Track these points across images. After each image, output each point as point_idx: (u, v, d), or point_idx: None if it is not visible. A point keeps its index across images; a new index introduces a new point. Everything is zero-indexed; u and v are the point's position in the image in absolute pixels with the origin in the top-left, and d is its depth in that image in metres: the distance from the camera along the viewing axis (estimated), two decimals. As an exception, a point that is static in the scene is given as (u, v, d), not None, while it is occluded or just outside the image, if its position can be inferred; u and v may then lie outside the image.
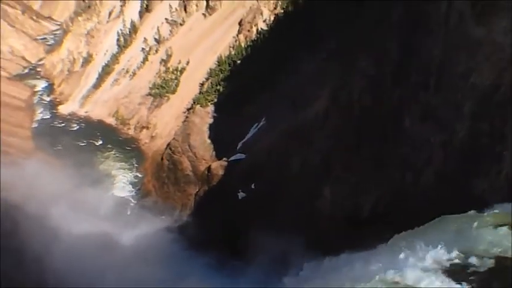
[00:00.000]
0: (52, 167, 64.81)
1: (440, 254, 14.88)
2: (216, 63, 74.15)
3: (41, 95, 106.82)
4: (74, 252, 39.13)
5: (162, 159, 65.36)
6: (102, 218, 57.71)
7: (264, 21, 70.36)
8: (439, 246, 15.08)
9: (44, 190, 51.78)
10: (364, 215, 23.65)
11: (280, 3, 69.45)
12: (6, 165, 55.50)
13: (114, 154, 75.01)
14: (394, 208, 21.31)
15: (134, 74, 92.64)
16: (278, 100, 48.52)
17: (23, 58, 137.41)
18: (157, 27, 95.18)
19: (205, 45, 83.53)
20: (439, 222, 16.68)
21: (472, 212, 15.68)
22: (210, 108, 65.14)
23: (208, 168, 53.08)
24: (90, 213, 55.67)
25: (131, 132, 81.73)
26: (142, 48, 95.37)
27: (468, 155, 16.64)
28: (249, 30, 71.86)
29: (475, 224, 15.15)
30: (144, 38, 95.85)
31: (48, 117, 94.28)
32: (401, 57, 19.06)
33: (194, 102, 72.10)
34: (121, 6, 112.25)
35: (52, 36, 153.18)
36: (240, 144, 54.32)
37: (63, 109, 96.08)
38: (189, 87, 79.62)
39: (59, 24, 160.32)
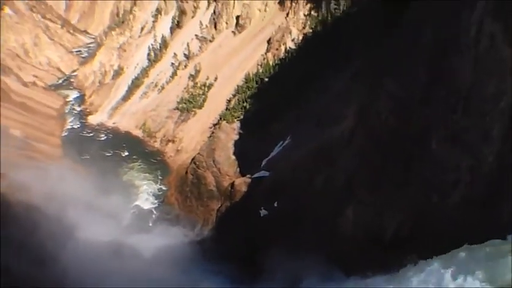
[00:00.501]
0: (77, 174, 66.15)
1: (466, 283, 14.44)
2: (244, 80, 74.68)
3: (72, 104, 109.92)
4: (91, 257, 39.64)
5: (186, 173, 65.71)
6: (123, 226, 58.40)
7: (293, 40, 70.75)
8: (465, 274, 14.62)
9: (67, 194, 52.77)
10: (387, 238, 23.18)
11: (309, 22, 69.80)
12: (31, 169, 57.07)
13: (139, 166, 76.00)
14: (418, 232, 20.85)
15: (163, 88, 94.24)
16: (304, 118, 48.46)
17: (58, 69, 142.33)
18: (187, 43, 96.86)
19: (234, 62, 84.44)
20: (465, 249, 16.23)
21: (499, 239, 15.22)
22: (236, 124, 65.37)
23: (232, 184, 53.01)
24: (111, 220, 56.35)
25: (157, 145, 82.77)
26: (172, 63, 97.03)
27: (496, 180, 16.23)
28: (277, 49, 72.33)
29: (503, 251, 14.66)
30: (174, 53, 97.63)
31: (78, 126, 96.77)
32: (430, 79, 18.85)
33: (220, 118, 72.53)
34: (153, 21, 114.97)
35: (86, 49, 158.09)
36: (264, 162, 54.17)
37: (93, 119, 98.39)
38: (216, 103, 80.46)
39: (93, 38, 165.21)
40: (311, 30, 66.53)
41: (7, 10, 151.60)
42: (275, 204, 41.19)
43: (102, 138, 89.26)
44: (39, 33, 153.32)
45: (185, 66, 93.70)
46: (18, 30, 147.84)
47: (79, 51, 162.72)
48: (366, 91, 25.57)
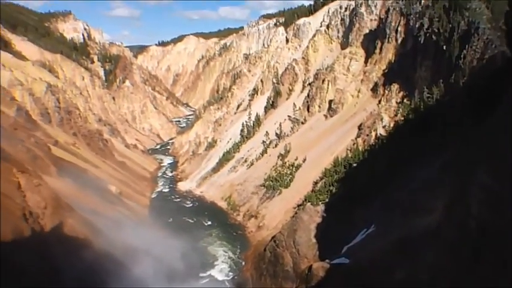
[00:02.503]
0: (159, 235, 68.38)
1: None
2: (332, 163, 74.56)
3: (165, 169, 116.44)
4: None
5: (264, 250, 65.12)
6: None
7: (384, 126, 70.36)
8: None
9: (144, 251, 54.57)
10: None
11: (400, 110, 69.42)
12: (118, 221, 60.28)
13: (220, 236, 76.73)
14: None
15: (252, 164, 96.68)
16: (390, 206, 46.82)
17: (158, 136, 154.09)
18: (280, 123, 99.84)
19: (323, 145, 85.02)
20: None
21: None
22: (321, 207, 64.46)
23: (309, 268, 51.47)
24: (182, 284, 56.70)
25: (240, 218, 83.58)
26: (263, 141, 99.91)
27: None
28: (367, 135, 72.14)
29: None
30: (266, 132, 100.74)
31: (167, 190, 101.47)
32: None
33: (305, 199, 72.13)
34: (249, 100, 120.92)
35: (185, 120, 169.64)
36: (345, 248, 52.35)
37: (182, 186, 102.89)
38: (302, 183, 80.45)
39: (193, 111, 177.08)
40: (403, 118, 65.99)
41: (127, 82, 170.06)
42: (351, 294, 39.26)
43: (188, 205, 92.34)
44: (147, 102, 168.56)
45: (275, 145, 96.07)
46: (131, 99, 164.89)
47: (178, 121, 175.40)
48: (457, 182, 24.45)
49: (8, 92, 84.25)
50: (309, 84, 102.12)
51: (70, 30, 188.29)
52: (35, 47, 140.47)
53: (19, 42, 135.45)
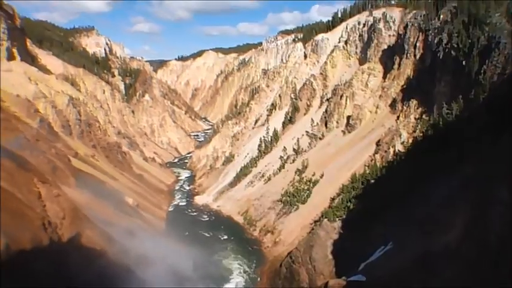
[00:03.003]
0: (175, 247, 68.44)
1: None
2: (350, 180, 73.89)
3: (182, 183, 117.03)
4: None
5: (280, 265, 64.65)
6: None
7: (402, 143, 69.65)
8: None
9: (159, 263, 54.61)
10: None
11: (419, 126, 68.68)
12: (133, 233, 60.58)
13: (236, 250, 76.43)
14: None
15: (269, 179, 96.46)
16: (408, 223, 46.14)
17: (176, 149, 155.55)
18: (298, 138, 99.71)
19: (341, 161, 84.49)
20: None
21: None
22: (337, 223, 63.80)
23: (326, 285, 50.77)
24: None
25: (256, 233, 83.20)
26: (281, 156, 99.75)
27: None
28: (386, 151, 71.48)
29: None
30: (284, 147, 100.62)
31: (184, 204, 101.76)
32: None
33: (322, 215, 71.41)
34: (267, 115, 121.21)
35: (203, 134, 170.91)
36: (362, 265, 51.61)
37: (199, 200, 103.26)
38: (319, 199, 79.81)
39: (211, 125, 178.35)
40: (421, 134, 65.22)
41: (146, 96, 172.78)
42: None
43: (205, 219, 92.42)
44: (166, 116, 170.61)
45: (293, 161, 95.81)
46: (151, 112, 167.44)
47: (197, 135, 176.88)
48: (476, 199, 24.10)
49: (32, 104, 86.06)
50: (327, 99, 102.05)
51: (93, 45, 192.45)
52: (59, 61, 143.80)
53: (44, 57, 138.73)
